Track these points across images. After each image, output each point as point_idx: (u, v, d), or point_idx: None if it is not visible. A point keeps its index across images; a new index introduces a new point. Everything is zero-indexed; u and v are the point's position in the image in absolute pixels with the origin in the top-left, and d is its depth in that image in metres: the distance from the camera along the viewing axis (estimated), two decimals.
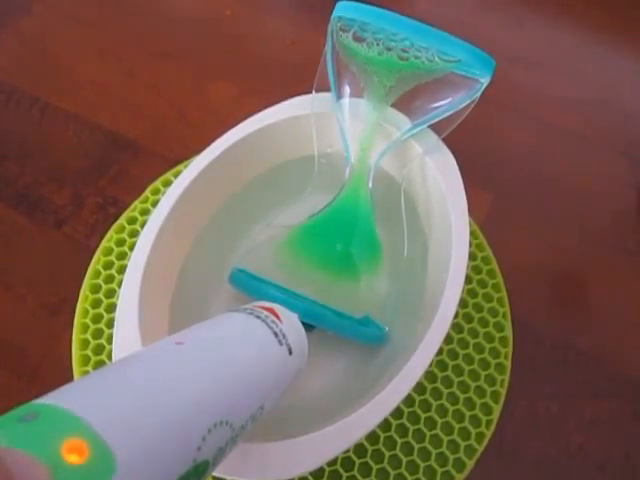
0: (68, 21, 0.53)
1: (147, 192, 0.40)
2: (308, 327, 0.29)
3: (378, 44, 0.30)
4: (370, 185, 0.33)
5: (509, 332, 0.35)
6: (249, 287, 0.33)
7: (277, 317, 0.24)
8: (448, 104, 0.31)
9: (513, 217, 0.42)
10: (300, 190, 0.35)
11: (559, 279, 0.40)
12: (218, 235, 0.35)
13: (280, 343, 0.23)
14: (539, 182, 0.43)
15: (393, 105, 0.32)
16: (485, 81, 0.30)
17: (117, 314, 0.28)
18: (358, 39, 0.30)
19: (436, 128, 0.32)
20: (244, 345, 0.22)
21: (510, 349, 0.35)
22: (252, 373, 0.21)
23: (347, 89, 0.33)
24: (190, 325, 0.22)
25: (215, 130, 0.34)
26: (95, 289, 0.37)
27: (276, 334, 0.23)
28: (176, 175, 0.38)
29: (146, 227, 0.31)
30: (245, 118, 0.34)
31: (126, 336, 0.28)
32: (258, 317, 0.23)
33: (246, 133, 0.34)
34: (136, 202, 0.40)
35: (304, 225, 0.34)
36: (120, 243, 0.38)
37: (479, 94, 0.31)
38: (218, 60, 0.50)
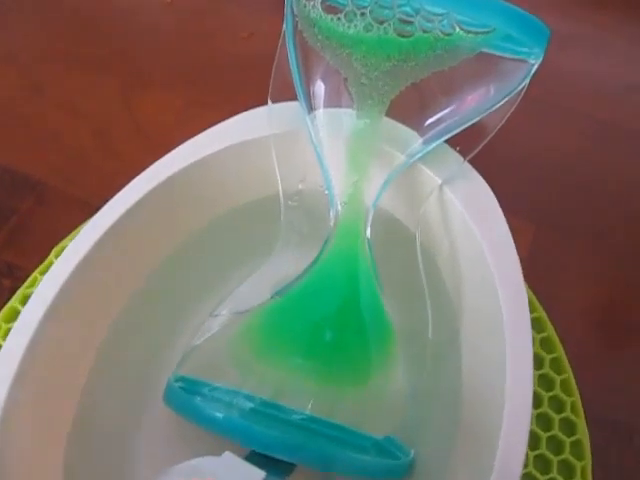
0: None
1: (52, 255, 0.29)
2: (287, 466, 0.20)
3: (363, 14, 0.20)
4: (368, 235, 0.22)
5: (584, 436, 0.24)
6: (189, 408, 0.22)
7: None
8: (476, 105, 0.21)
9: (559, 254, 0.31)
10: (263, 250, 0.24)
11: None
12: (143, 324, 0.24)
13: None
14: (590, 209, 0.33)
15: (392, 112, 0.22)
16: (536, 62, 0.20)
17: None
18: (331, 10, 0.20)
19: (459, 144, 0.22)
20: None
21: (589, 461, 0.24)
22: None
23: (321, 91, 0.23)
24: None
25: (149, 160, 0.24)
26: None
27: None
28: None
29: (20, 319, 0.20)
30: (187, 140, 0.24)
31: None
32: None
33: (175, 170, 0.23)
34: (36, 272, 0.28)
35: (273, 304, 0.23)
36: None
37: (527, 82, 0.20)
38: (153, 64, 0.39)
